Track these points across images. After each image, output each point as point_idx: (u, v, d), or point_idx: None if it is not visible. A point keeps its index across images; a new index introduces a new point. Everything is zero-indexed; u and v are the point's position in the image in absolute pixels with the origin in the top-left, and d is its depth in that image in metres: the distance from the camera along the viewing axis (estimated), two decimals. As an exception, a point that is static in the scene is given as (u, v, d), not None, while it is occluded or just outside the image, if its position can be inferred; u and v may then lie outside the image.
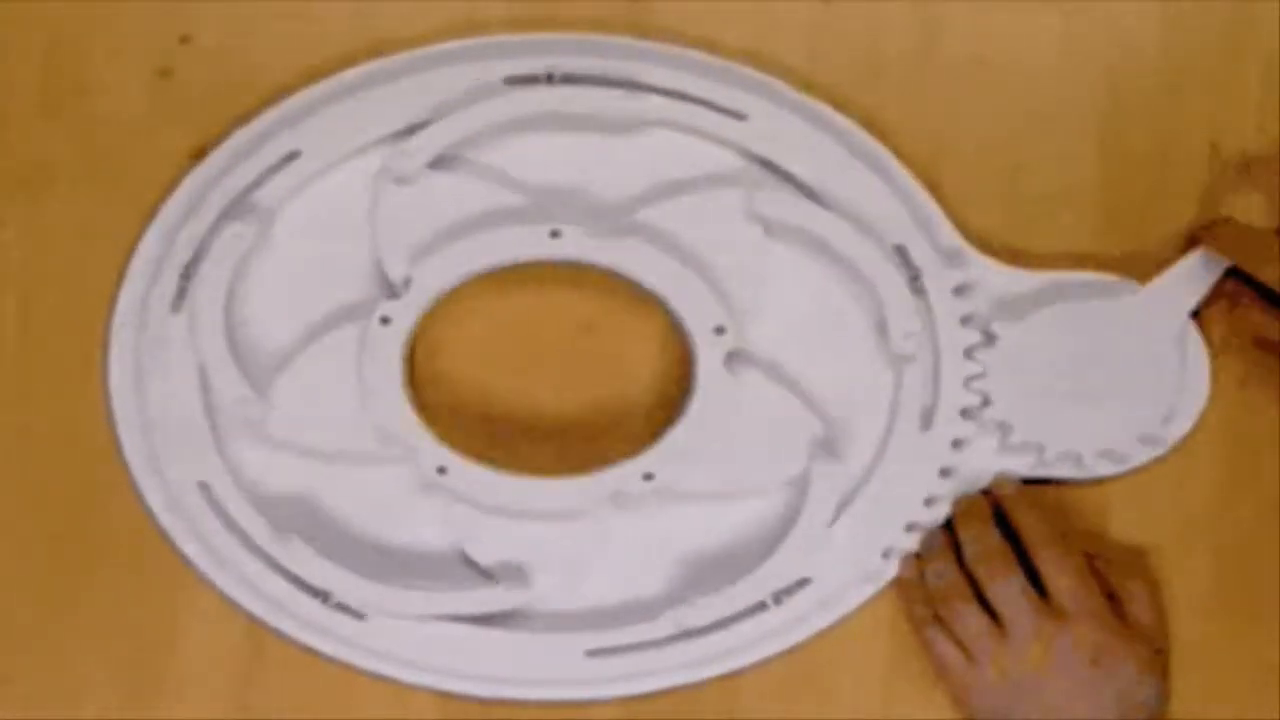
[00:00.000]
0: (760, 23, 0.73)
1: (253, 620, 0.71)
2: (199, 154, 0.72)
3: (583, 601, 0.72)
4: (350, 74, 0.72)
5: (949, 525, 0.72)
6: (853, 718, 0.72)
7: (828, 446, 0.71)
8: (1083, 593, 0.69)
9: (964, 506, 0.72)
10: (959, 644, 0.70)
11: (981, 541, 0.70)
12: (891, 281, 0.71)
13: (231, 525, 0.70)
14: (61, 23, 0.73)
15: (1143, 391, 0.72)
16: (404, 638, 0.71)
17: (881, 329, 0.71)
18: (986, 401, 0.71)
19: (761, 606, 0.71)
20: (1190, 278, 0.72)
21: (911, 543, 0.72)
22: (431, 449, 0.70)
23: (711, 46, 0.73)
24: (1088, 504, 0.73)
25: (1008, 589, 0.69)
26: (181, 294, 0.71)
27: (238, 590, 0.71)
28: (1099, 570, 0.70)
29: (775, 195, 0.71)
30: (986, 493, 0.72)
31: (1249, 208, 0.74)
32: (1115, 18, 0.74)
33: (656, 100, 0.71)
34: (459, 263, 0.71)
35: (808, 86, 0.73)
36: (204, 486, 0.70)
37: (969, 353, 0.71)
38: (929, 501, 0.72)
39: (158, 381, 0.71)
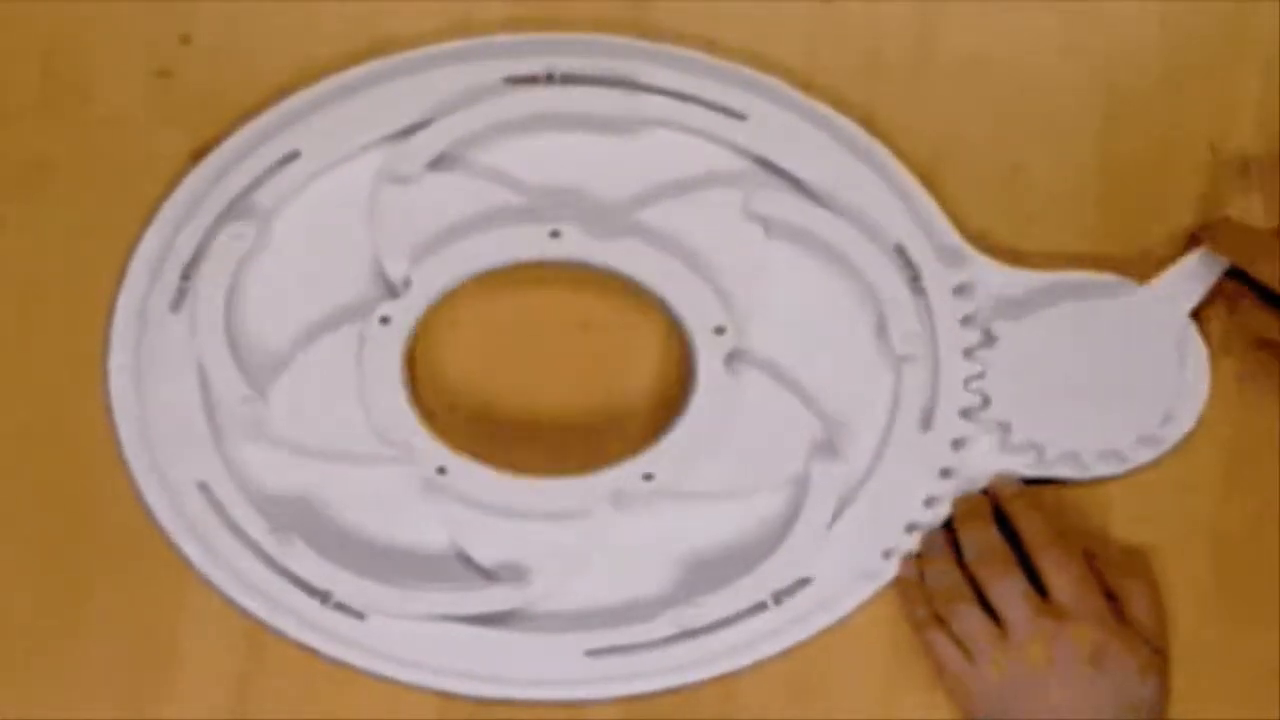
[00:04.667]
0: (760, 23, 0.73)
1: (253, 620, 0.71)
2: (199, 154, 0.72)
3: (582, 601, 0.72)
4: (350, 74, 0.73)
5: (949, 525, 0.72)
6: (852, 718, 0.72)
7: (827, 446, 0.71)
8: (1083, 593, 0.69)
9: (964, 506, 0.72)
10: (959, 644, 0.70)
11: (982, 542, 0.70)
12: (891, 281, 0.71)
13: (231, 525, 0.70)
14: (61, 23, 0.73)
15: (1143, 391, 0.72)
16: (404, 638, 0.71)
17: (881, 329, 0.71)
18: (986, 401, 0.71)
19: (761, 606, 0.71)
20: (1189, 277, 0.72)
21: (911, 543, 0.72)
22: (431, 449, 0.70)
23: (711, 46, 0.73)
24: (1088, 504, 0.73)
25: (1008, 589, 0.69)
26: (181, 294, 0.71)
27: (238, 590, 0.71)
28: (1099, 570, 0.70)
29: (775, 195, 0.71)
30: (986, 493, 0.72)
31: (1249, 207, 0.74)
32: (1115, 18, 0.74)
33: (656, 100, 0.71)
34: (459, 263, 0.71)
35: (808, 86, 0.73)
36: (203, 486, 0.70)
37: (969, 353, 0.72)
38: (929, 502, 0.72)
39: (158, 381, 0.71)
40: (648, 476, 0.70)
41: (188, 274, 0.71)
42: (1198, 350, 0.72)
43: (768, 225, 0.72)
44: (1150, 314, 0.72)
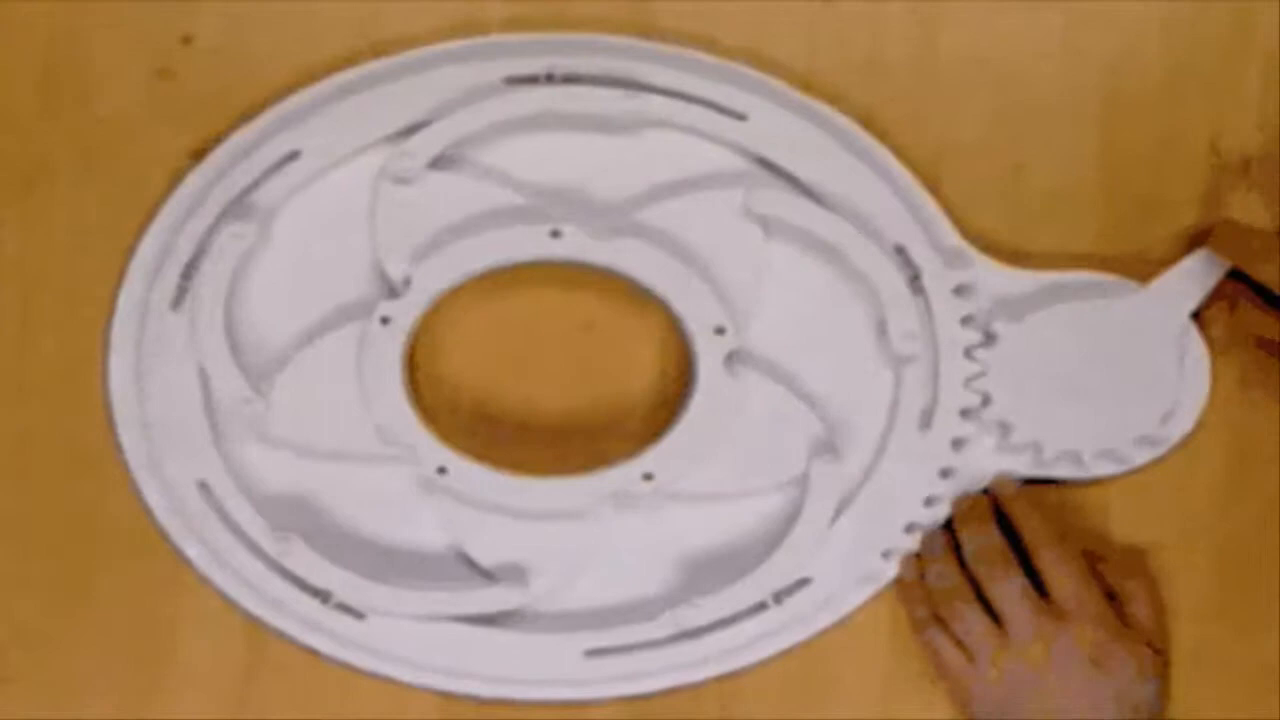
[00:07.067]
0: (760, 23, 0.73)
1: (253, 620, 0.71)
2: (199, 154, 0.72)
3: (582, 601, 0.72)
4: (350, 74, 0.72)
5: (949, 525, 0.72)
6: (852, 718, 0.72)
7: (828, 446, 0.71)
8: (1083, 593, 0.69)
9: (964, 506, 0.72)
10: (959, 644, 0.70)
11: (982, 542, 0.70)
12: (891, 281, 0.71)
13: (231, 525, 0.70)
14: (61, 23, 0.73)
15: (1143, 391, 0.72)
16: (404, 638, 0.71)
17: (881, 329, 0.71)
18: (986, 401, 0.71)
19: (761, 606, 0.71)
20: (1191, 278, 0.72)
21: (911, 543, 0.72)
22: (431, 449, 0.70)
23: (711, 46, 0.73)
24: (1088, 504, 0.73)
25: (1008, 589, 0.69)
26: (182, 293, 0.71)
27: (238, 590, 0.71)
28: (1099, 570, 0.70)
29: (775, 195, 0.71)
30: (986, 493, 0.72)
31: (1249, 208, 0.74)
32: (1115, 18, 0.74)
33: (657, 100, 0.71)
34: (459, 263, 0.71)
35: (808, 86, 0.73)
36: (203, 485, 0.71)
37: (969, 353, 0.71)
38: (929, 502, 0.72)
39: (158, 379, 0.71)
40: (648, 476, 0.70)
41: (188, 274, 0.71)
42: (1198, 350, 0.72)
43: (768, 225, 0.72)
44: (1151, 314, 0.72)
